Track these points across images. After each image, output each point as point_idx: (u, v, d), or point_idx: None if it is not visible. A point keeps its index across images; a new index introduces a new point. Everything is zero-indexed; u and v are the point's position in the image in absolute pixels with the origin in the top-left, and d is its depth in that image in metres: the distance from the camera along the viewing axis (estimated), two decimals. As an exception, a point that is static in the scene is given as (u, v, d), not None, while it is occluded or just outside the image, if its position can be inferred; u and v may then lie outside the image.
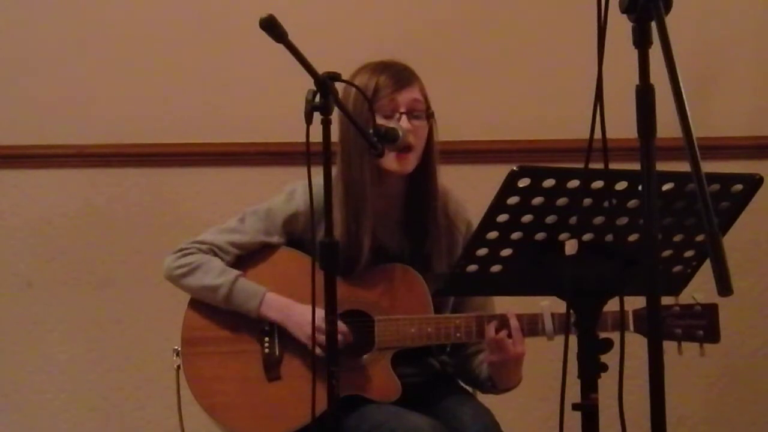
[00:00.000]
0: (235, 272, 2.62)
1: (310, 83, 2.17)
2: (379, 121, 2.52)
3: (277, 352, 2.62)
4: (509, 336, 2.52)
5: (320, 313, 2.21)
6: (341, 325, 2.52)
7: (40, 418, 3.63)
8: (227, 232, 2.68)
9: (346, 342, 2.56)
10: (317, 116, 2.15)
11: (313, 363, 2.31)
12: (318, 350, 2.44)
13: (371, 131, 2.39)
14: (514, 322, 2.52)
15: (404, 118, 2.59)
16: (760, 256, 3.74)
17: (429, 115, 2.65)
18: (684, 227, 2.00)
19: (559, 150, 3.55)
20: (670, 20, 1.58)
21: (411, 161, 2.60)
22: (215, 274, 2.61)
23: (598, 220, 1.96)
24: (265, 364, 2.62)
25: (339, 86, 2.23)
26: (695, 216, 1.96)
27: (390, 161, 2.57)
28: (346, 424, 2.52)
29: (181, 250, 2.67)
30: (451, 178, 2.75)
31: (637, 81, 1.62)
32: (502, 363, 2.56)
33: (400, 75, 2.63)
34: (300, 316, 2.55)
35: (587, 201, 1.92)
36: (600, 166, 1.83)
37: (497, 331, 2.52)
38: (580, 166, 1.87)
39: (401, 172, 2.61)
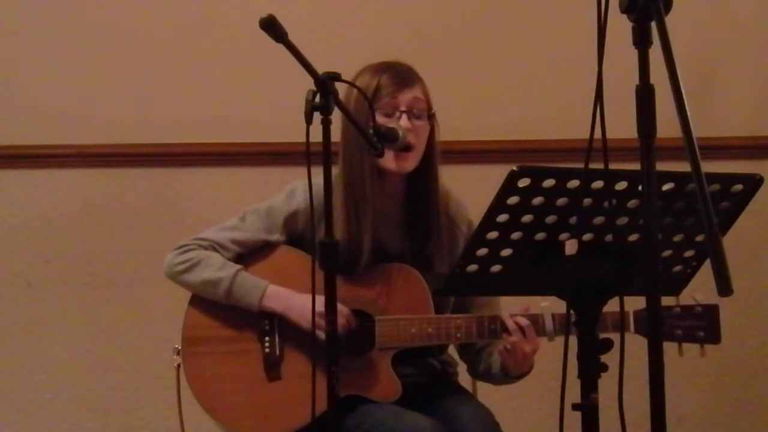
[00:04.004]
0: (236, 266, 2.63)
1: (310, 83, 2.17)
2: (380, 119, 2.52)
3: (277, 352, 2.62)
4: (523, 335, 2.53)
5: (321, 299, 2.20)
6: (344, 308, 2.53)
7: (40, 418, 3.63)
8: (228, 229, 2.69)
9: (349, 327, 2.56)
10: (317, 116, 2.15)
11: (313, 364, 2.31)
12: (320, 334, 2.43)
13: (371, 131, 2.39)
14: (524, 321, 2.52)
15: (404, 117, 2.59)
16: (760, 256, 3.74)
17: (430, 116, 2.65)
18: (684, 227, 2.00)
19: (559, 150, 3.55)
20: (670, 20, 1.58)
21: (410, 161, 2.60)
22: (216, 269, 2.62)
23: (598, 220, 1.96)
24: (266, 363, 2.62)
25: (340, 86, 2.23)
26: (695, 216, 1.96)
27: (388, 161, 2.57)
28: (347, 423, 2.52)
29: (181, 246, 2.67)
30: (451, 178, 2.75)
31: (637, 81, 1.62)
32: (517, 359, 2.56)
33: (401, 75, 2.63)
34: (302, 305, 2.55)
35: (587, 201, 1.92)
36: (600, 166, 1.84)
37: (511, 333, 2.52)
38: (580, 166, 1.87)
39: (400, 171, 2.61)
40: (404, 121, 2.58)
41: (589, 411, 1.96)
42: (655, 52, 1.58)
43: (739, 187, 1.97)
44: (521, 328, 2.53)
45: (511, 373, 2.63)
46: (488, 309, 2.67)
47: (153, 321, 3.55)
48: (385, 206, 2.67)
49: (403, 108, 2.60)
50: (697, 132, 1.53)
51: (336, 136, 2.39)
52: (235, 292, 2.61)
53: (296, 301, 2.58)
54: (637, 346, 2.05)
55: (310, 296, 2.25)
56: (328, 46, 3.24)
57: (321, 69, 2.17)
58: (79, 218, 3.65)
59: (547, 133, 3.65)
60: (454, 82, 3.57)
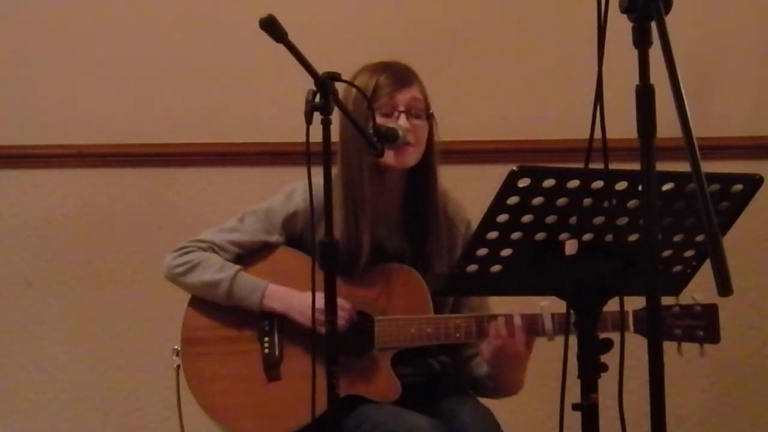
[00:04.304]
0: (236, 267, 2.63)
1: (310, 83, 2.17)
2: (379, 120, 2.52)
3: (276, 352, 2.62)
4: (511, 335, 2.52)
5: (322, 296, 2.20)
6: (346, 303, 2.53)
7: (40, 418, 3.63)
8: (227, 231, 2.69)
9: (351, 320, 2.56)
10: (317, 116, 2.15)
11: (312, 364, 2.31)
12: (322, 329, 2.42)
13: (371, 131, 2.39)
14: (517, 320, 2.52)
15: (403, 116, 2.59)
16: (760, 256, 3.74)
17: (429, 116, 2.65)
18: (684, 227, 2.00)
19: (559, 150, 3.55)
20: (670, 20, 1.58)
21: (410, 155, 2.60)
22: (215, 270, 2.62)
23: (598, 220, 1.96)
24: (265, 364, 2.62)
25: (339, 86, 2.23)
26: (695, 216, 1.96)
27: (388, 156, 2.56)
28: (346, 424, 2.52)
29: (180, 248, 2.67)
30: (451, 178, 2.75)
31: (637, 81, 1.62)
32: (503, 362, 2.55)
33: (400, 74, 2.63)
34: (302, 303, 2.55)
35: (587, 201, 1.92)
36: (600, 166, 1.84)
37: (498, 329, 2.52)
38: (580, 166, 1.87)
39: (400, 166, 2.61)
40: (403, 121, 2.58)
41: (589, 411, 1.96)
42: (655, 52, 1.58)
43: (739, 187, 1.97)
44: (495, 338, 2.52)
45: (497, 375, 2.62)
46: (479, 312, 2.65)
47: (153, 321, 3.55)
48: (385, 206, 2.67)
49: (401, 108, 2.60)
50: (697, 132, 1.53)
51: (336, 136, 2.39)
52: (235, 293, 2.61)
53: (297, 300, 2.58)
54: (637, 346, 2.05)
55: (311, 294, 2.25)
56: (328, 46, 3.24)
57: (321, 69, 2.17)
58: (79, 218, 3.65)
59: (547, 133, 3.64)
60: (454, 82, 3.56)
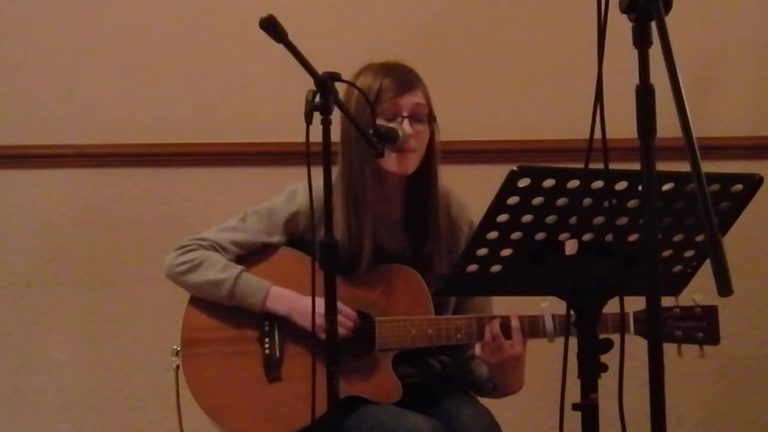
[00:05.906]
0: (239, 267, 2.62)
1: (310, 83, 2.17)
2: (381, 123, 2.52)
3: (277, 353, 2.62)
4: (508, 336, 2.52)
5: (322, 301, 2.20)
6: (351, 312, 2.53)
7: (40, 418, 3.63)
8: (228, 230, 2.68)
9: (352, 327, 2.56)
10: (317, 116, 2.15)
11: (313, 364, 2.31)
12: (323, 335, 2.42)
13: (371, 131, 2.39)
14: (514, 323, 2.52)
15: (406, 122, 2.58)
16: (760, 256, 3.74)
17: (431, 119, 2.64)
18: (684, 227, 2.00)
19: (559, 150, 3.55)
20: (670, 20, 1.58)
21: (412, 162, 2.60)
22: (218, 269, 2.61)
23: (598, 220, 1.96)
24: (266, 365, 2.62)
25: (341, 86, 2.23)
26: (695, 216, 1.96)
27: (391, 162, 2.57)
28: (347, 424, 2.52)
29: (182, 247, 2.67)
30: (451, 178, 2.75)
31: (637, 81, 1.62)
32: (499, 364, 2.55)
33: (404, 78, 2.62)
34: (305, 306, 2.54)
35: (587, 201, 1.92)
36: (600, 166, 1.84)
37: (495, 331, 2.52)
38: (580, 166, 1.87)
39: (402, 173, 2.60)
40: (406, 126, 2.56)
41: (589, 411, 1.96)
42: (655, 52, 1.58)
43: (739, 187, 1.97)
44: (493, 339, 2.52)
45: (499, 387, 2.62)
46: (482, 313, 2.65)
47: (153, 321, 3.55)
48: (385, 208, 2.67)
49: (405, 113, 2.58)
50: (697, 132, 1.53)
51: (336, 136, 2.39)
52: (238, 293, 2.60)
53: (300, 303, 2.58)
54: (637, 346, 2.05)
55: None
56: (328, 46, 3.24)
57: (321, 69, 2.17)
58: (79, 218, 3.65)
59: (547, 133, 3.65)
60: (454, 82, 3.56)
